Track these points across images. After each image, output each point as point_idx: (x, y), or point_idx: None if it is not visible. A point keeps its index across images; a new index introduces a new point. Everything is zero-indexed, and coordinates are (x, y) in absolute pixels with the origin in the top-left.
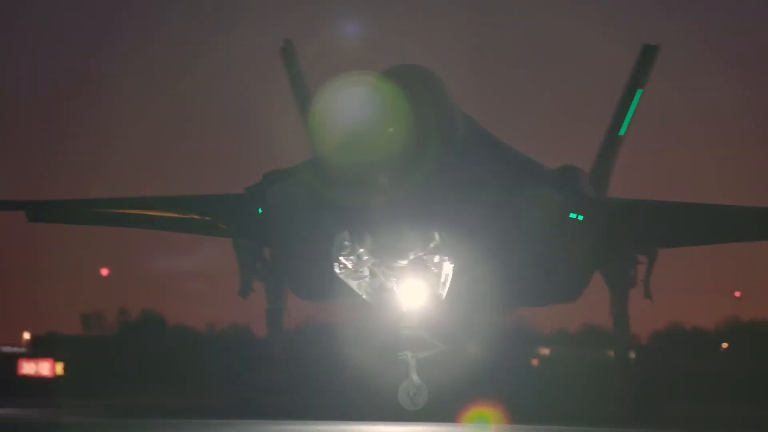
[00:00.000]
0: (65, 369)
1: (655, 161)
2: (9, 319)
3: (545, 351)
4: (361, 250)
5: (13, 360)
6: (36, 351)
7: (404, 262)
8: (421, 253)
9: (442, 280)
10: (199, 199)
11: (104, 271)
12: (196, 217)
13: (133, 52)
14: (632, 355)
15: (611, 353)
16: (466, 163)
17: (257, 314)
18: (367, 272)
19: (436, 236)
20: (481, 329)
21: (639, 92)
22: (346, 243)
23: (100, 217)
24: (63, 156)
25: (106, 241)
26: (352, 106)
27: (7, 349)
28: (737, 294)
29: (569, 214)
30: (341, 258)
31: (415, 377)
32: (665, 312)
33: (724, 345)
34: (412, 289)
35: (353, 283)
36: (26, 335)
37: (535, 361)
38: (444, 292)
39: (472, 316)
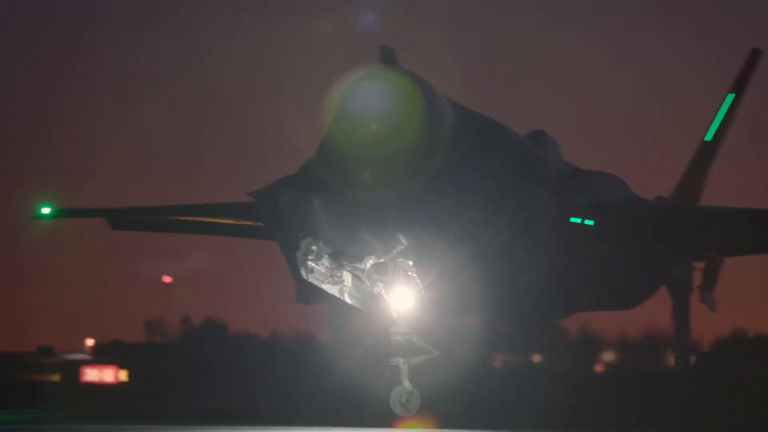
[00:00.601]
0: (129, 376)
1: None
2: (72, 327)
3: (609, 357)
4: (327, 256)
5: (76, 367)
6: (100, 358)
7: (364, 267)
8: (386, 258)
9: (424, 285)
10: (249, 205)
11: (167, 279)
12: (250, 223)
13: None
14: (693, 361)
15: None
16: (454, 164)
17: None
18: (346, 277)
19: (402, 240)
20: (474, 335)
21: (730, 97)
22: (314, 248)
23: (171, 224)
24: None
25: (170, 248)
26: (350, 100)
27: (71, 356)
28: None
29: (569, 218)
30: (309, 263)
31: (407, 383)
32: (730, 319)
33: None
34: (402, 295)
35: (333, 289)
36: (89, 342)
37: (599, 368)
38: (430, 298)
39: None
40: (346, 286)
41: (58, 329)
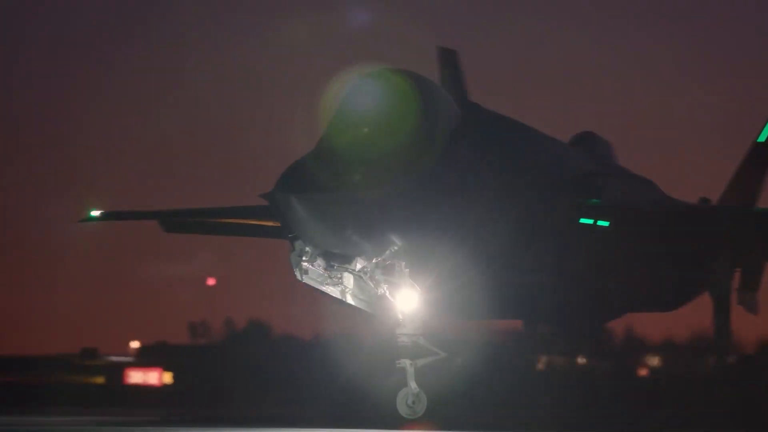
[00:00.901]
0: (174, 378)
1: None
2: (117, 329)
3: (654, 361)
4: (321, 257)
5: (120, 369)
6: (144, 360)
7: (355, 268)
8: (378, 259)
9: (422, 286)
10: None
11: (211, 281)
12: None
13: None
14: (731, 362)
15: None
16: (456, 164)
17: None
18: (347, 278)
19: (395, 241)
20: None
21: None
22: (307, 248)
23: (220, 227)
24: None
25: (214, 250)
26: (348, 99)
27: (115, 358)
28: None
29: (579, 219)
30: (304, 264)
31: (413, 385)
32: None
33: None
34: (406, 296)
35: (334, 291)
36: (133, 344)
37: (644, 371)
38: (437, 298)
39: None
40: (347, 287)
41: (103, 331)
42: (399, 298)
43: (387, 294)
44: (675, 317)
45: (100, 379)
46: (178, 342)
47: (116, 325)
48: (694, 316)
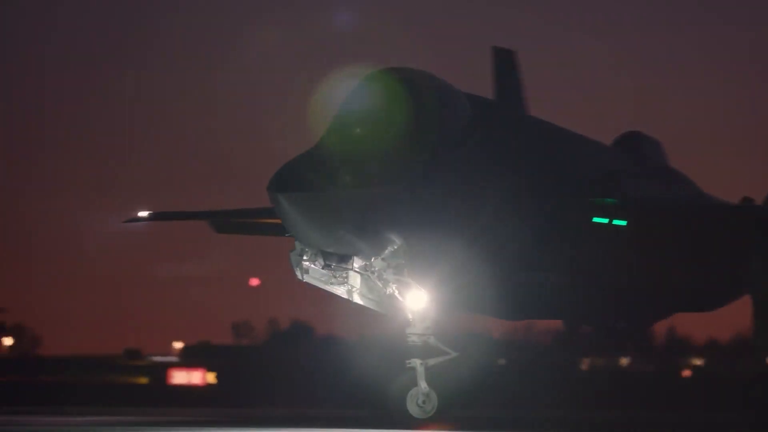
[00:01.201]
0: (217, 378)
1: None
2: (160, 329)
3: (698, 362)
4: (320, 257)
5: (164, 369)
6: (187, 360)
7: (352, 267)
8: (377, 258)
9: (425, 286)
10: None
11: (255, 282)
12: None
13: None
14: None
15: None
16: (462, 163)
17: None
18: (354, 277)
19: (394, 240)
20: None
21: None
22: (307, 248)
23: (270, 228)
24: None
25: (258, 251)
26: (347, 101)
27: (159, 358)
28: None
29: (592, 218)
30: (305, 263)
31: (423, 385)
32: None
33: None
34: (417, 295)
35: (339, 290)
36: (177, 344)
37: (687, 372)
38: (442, 297)
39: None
40: (354, 287)
41: (146, 331)
42: (408, 298)
43: (396, 293)
44: (718, 317)
45: (143, 380)
46: (222, 342)
47: (160, 325)
48: (739, 317)
